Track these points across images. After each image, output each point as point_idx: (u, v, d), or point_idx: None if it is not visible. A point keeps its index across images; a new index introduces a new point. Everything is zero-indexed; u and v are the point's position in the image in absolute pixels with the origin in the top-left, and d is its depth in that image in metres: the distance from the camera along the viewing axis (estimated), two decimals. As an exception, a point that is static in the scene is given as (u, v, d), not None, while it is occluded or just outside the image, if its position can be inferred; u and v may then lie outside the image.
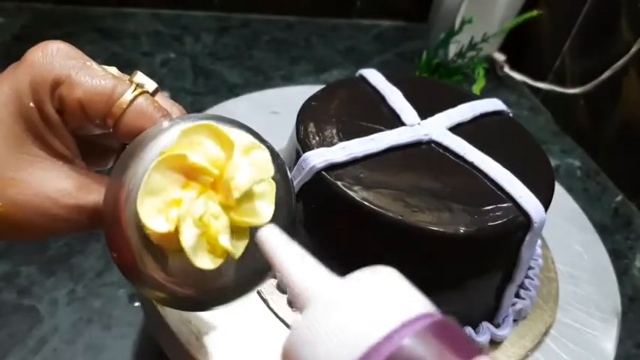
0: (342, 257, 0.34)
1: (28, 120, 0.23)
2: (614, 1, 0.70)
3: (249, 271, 0.23)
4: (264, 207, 0.22)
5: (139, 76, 0.25)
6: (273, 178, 0.22)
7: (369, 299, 0.16)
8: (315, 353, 0.15)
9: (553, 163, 0.70)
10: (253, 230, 0.21)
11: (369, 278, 0.17)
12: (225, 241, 0.20)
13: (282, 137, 0.41)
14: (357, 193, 0.32)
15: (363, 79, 0.42)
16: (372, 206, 0.31)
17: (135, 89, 0.24)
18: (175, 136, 0.21)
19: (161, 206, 0.20)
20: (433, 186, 0.33)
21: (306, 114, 0.37)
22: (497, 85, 0.86)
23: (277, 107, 0.52)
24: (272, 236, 0.19)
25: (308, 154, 0.33)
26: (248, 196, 0.21)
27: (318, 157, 0.33)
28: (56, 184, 0.23)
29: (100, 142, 0.28)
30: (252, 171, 0.21)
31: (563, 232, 0.46)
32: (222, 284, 0.23)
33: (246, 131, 0.24)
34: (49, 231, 0.24)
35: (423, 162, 0.35)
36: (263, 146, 0.22)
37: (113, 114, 0.23)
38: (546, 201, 0.34)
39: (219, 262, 0.21)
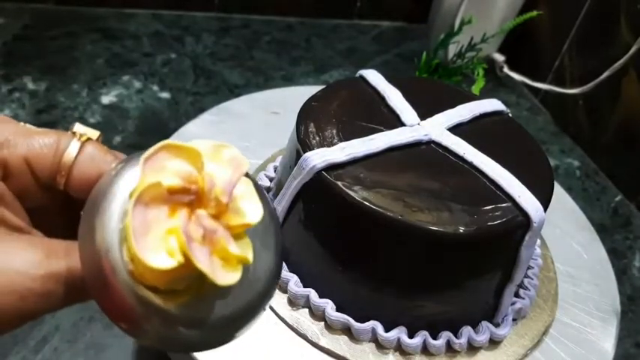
0: (341, 257, 0.35)
1: None
2: (614, 1, 0.70)
3: (259, 280, 0.22)
4: (250, 205, 0.21)
5: (79, 127, 0.23)
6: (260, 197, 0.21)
7: None
8: None
9: (552, 163, 0.70)
10: (249, 232, 0.20)
11: None
12: (235, 248, 0.19)
13: (282, 137, 0.41)
14: (357, 193, 0.32)
15: (363, 79, 0.42)
16: (372, 206, 0.31)
17: (80, 137, 0.22)
18: (138, 170, 0.19)
19: (157, 243, 0.19)
20: (433, 186, 0.34)
21: (307, 114, 0.37)
22: (496, 85, 0.86)
23: (277, 107, 0.52)
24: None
25: (308, 154, 0.34)
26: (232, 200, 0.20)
27: (319, 157, 0.33)
28: (21, 256, 0.20)
29: (45, 214, 0.25)
30: (229, 171, 0.20)
31: (563, 231, 0.46)
32: (239, 302, 0.22)
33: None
34: (23, 313, 0.20)
35: (422, 162, 0.36)
36: (227, 144, 0.20)
37: (63, 165, 0.22)
38: (545, 201, 0.34)
39: (239, 273, 0.20)
